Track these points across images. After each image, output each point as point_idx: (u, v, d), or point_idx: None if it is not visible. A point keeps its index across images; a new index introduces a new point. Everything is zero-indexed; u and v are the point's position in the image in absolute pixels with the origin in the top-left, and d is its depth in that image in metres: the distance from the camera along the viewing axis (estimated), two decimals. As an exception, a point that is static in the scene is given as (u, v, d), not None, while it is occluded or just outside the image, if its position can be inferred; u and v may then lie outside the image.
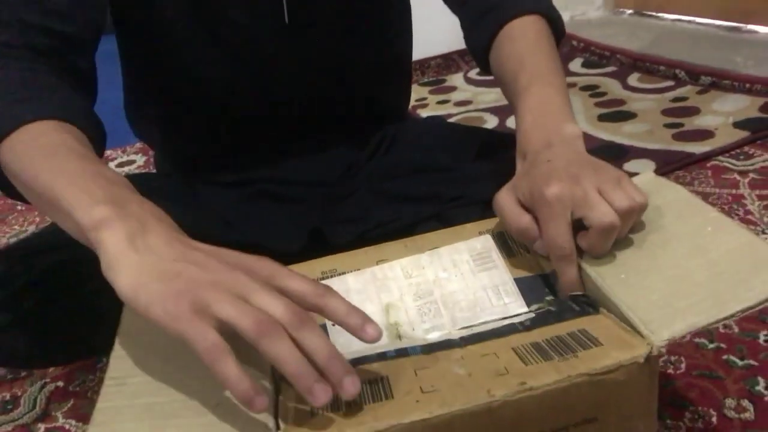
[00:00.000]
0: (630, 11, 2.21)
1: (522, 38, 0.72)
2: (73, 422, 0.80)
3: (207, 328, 0.40)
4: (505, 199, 0.56)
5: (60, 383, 0.87)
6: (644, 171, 0.69)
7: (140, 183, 0.93)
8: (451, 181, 0.79)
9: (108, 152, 1.74)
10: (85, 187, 0.48)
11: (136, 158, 1.70)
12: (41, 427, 0.80)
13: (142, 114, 0.95)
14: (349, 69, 0.91)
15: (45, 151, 0.53)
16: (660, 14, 2.10)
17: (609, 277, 0.52)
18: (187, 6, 0.77)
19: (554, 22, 0.75)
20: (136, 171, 1.63)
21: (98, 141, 0.62)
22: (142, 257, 0.44)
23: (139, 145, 1.77)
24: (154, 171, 1.12)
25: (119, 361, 0.49)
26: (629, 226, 0.54)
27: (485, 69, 0.79)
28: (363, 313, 0.45)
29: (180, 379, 0.46)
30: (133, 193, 0.51)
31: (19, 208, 1.50)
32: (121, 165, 1.66)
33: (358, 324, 0.44)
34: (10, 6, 0.62)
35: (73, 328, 0.78)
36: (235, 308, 0.41)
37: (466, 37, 0.81)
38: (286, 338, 0.41)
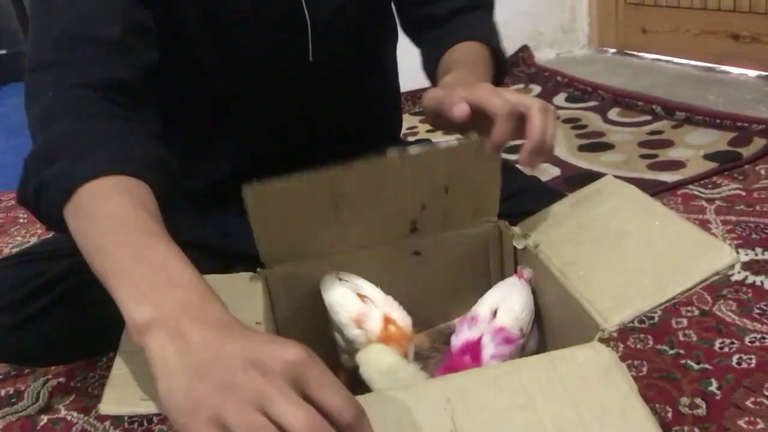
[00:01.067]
0: (612, 50, 2.32)
1: (462, 51, 0.83)
2: (75, 414, 0.85)
3: None
4: (434, 90, 0.67)
5: (62, 379, 0.92)
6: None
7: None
8: None
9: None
10: (130, 281, 0.48)
11: (136, 177, 1.76)
12: (44, 418, 0.85)
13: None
14: (355, 99, 0.98)
15: (99, 228, 0.52)
16: (640, 54, 2.21)
17: (569, 275, 0.59)
18: (211, 40, 0.81)
19: (496, 54, 0.85)
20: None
21: (162, 186, 0.59)
22: (175, 365, 0.42)
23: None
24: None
25: (131, 339, 0.54)
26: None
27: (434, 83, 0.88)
28: None
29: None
30: (175, 284, 0.49)
31: (21, 220, 1.56)
32: (120, 183, 1.72)
33: None
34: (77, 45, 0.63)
35: (77, 332, 0.82)
36: (246, 422, 0.37)
37: (424, 63, 0.91)
38: None
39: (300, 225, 0.68)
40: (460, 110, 0.61)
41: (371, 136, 1.03)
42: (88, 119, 0.60)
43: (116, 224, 0.52)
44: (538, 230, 0.67)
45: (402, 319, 0.67)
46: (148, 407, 0.46)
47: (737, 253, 0.59)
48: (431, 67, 0.87)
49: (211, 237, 0.92)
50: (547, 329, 0.66)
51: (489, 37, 0.87)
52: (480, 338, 0.61)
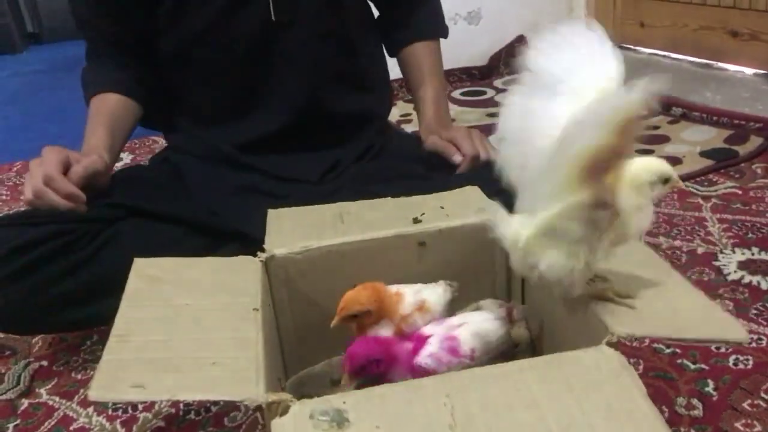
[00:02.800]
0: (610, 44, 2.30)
1: (424, 56, 1.10)
2: (57, 399, 0.82)
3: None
4: (434, 139, 0.98)
5: (44, 362, 0.90)
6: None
7: (135, 173, 0.99)
8: (427, 188, 0.84)
9: (95, 149, 1.77)
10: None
11: (123, 156, 1.72)
12: (25, 402, 0.82)
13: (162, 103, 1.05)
14: (331, 72, 0.98)
15: (93, 112, 0.96)
16: (638, 48, 2.19)
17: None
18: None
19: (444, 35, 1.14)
20: (122, 166, 1.66)
21: (138, 96, 0.99)
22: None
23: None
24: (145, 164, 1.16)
25: (124, 321, 0.52)
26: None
27: (392, 54, 1.13)
28: None
29: (180, 340, 0.50)
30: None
31: (2, 197, 1.52)
32: (107, 162, 1.69)
33: None
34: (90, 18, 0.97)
35: (58, 296, 0.82)
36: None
37: (383, 33, 1.11)
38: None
39: (307, 226, 0.72)
40: (457, 160, 0.94)
41: (353, 116, 1.02)
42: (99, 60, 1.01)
43: (98, 114, 0.96)
44: None
45: None
46: (137, 394, 0.45)
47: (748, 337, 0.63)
48: (389, 48, 1.13)
49: (199, 214, 0.91)
50: (558, 323, 0.65)
51: (439, 29, 1.13)
52: (430, 336, 0.62)
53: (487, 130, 1.69)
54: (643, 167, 0.55)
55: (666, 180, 0.55)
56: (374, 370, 0.58)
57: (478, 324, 0.64)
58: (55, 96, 2.40)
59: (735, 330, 0.53)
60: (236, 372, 0.48)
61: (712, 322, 0.54)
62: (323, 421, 0.44)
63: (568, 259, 0.53)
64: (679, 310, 0.55)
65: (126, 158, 1.71)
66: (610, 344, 0.50)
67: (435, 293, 0.67)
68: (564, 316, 0.61)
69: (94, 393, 0.44)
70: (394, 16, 1.10)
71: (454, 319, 0.64)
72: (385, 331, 0.64)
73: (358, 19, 1.05)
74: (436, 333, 0.62)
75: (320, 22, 0.96)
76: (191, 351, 0.49)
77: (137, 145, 1.78)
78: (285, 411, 0.45)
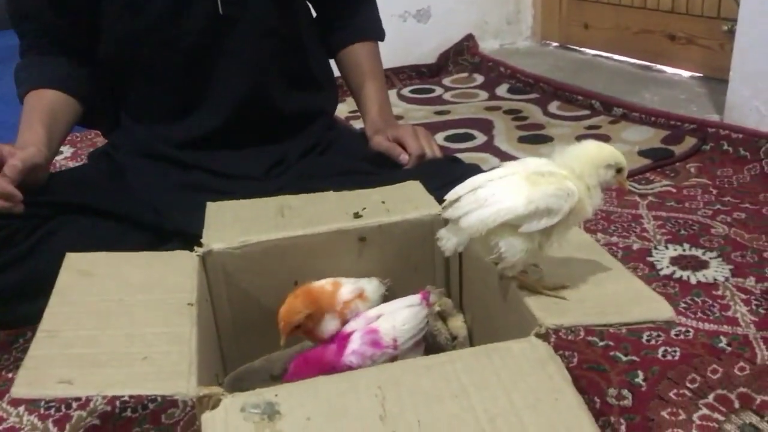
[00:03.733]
0: (555, 44, 2.35)
1: (364, 56, 1.11)
2: (-13, 398, 0.80)
3: None
4: (380, 138, 0.99)
5: (-27, 361, 0.87)
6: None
7: (74, 173, 0.96)
8: (373, 184, 0.85)
9: (33, 141, 1.71)
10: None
11: (63, 149, 1.67)
12: (-48, 402, 0.80)
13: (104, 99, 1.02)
14: (276, 68, 0.98)
15: (29, 108, 0.92)
16: (582, 48, 2.25)
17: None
18: None
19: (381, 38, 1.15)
20: (63, 160, 1.61)
21: (78, 93, 0.96)
22: None
23: (66, 136, 1.75)
24: (83, 162, 1.13)
25: (53, 316, 0.51)
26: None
27: (330, 56, 1.14)
28: None
29: (111, 335, 0.49)
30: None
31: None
32: (46, 155, 1.64)
33: None
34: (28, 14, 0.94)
35: None
36: None
37: (320, 33, 1.11)
38: None
39: (247, 220, 0.71)
40: (404, 159, 0.96)
41: (298, 114, 1.02)
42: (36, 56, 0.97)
43: (33, 110, 0.92)
44: None
45: None
46: (64, 390, 0.44)
47: (675, 315, 0.66)
48: (329, 48, 1.13)
49: (143, 212, 0.90)
50: (492, 318, 0.66)
51: (377, 31, 1.14)
52: (352, 333, 0.62)
53: (436, 127, 1.72)
54: (603, 151, 0.57)
55: (619, 170, 0.57)
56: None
57: (395, 313, 0.64)
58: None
59: (662, 310, 0.54)
60: (168, 367, 0.47)
61: (640, 303, 0.56)
62: (254, 414, 0.44)
63: (524, 242, 0.55)
64: (609, 295, 0.57)
65: (66, 152, 1.67)
66: (538, 335, 0.51)
67: (371, 285, 0.68)
68: (498, 308, 0.62)
69: (18, 390, 0.43)
70: (332, 16, 1.11)
71: (372, 312, 0.65)
72: (331, 325, 0.64)
73: (303, 16, 1.05)
74: (357, 329, 0.62)
75: (267, 19, 0.96)
76: (122, 346, 0.48)
77: (78, 138, 1.73)
78: (216, 405, 0.45)
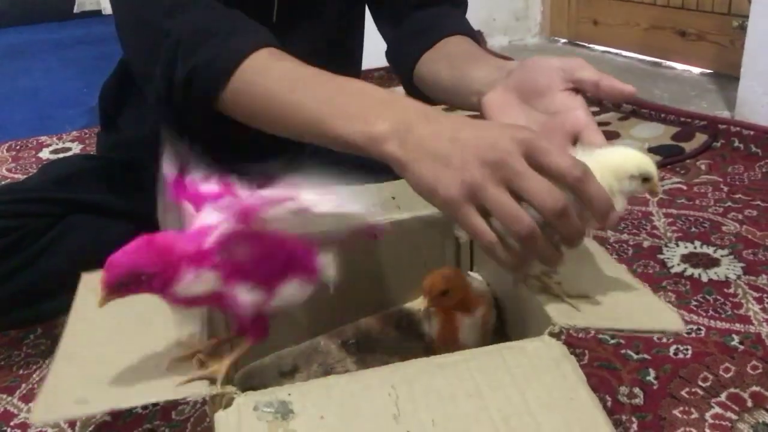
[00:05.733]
0: (564, 40, 2.34)
1: (461, 45, 0.79)
2: (-2, 394, 0.80)
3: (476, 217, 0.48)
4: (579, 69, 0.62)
5: (-16, 357, 0.87)
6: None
7: (83, 164, 0.95)
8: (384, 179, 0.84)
9: (43, 138, 1.72)
10: (354, 108, 0.55)
11: (72, 146, 1.68)
12: (-37, 398, 0.80)
13: (122, 98, 0.97)
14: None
15: (282, 88, 0.59)
16: (591, 45, 2.24)
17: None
18: None
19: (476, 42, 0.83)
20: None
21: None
22: (415, 151, 0.50)
23: (75, 133, 1.75)
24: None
25: (72, 336, 0.52)
26: None
27: (408, 81, 0.84)
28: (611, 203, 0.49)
29: (128, 351, 0.49)
30: (396, 102, 0.55)
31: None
32: (55, 152, 1.64)
33: (604, 212, 0.49)
34: None
35: (7, 294, 0.79)
36: (500, 200, 0.47)
37: (395, 52, 0.87)
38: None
39: None
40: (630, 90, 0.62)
41: None
42: (212, 9, 0.65)
43: (298, 79, 0.59)
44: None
45: None
46: (80, 409, 0.44)
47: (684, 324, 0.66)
48: (409, 65, 0.83)
49: (152, 208, 0.89)
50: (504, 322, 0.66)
51: (465, 25, 0.85)
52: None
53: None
54: (630, 159, 0.54)
55: (646, 179, 0.54)
56: (142, 287, 0.44)
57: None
58: None
59: (672, 320, 0.54)
60: (180, 370, 0.47)
61: (651, 313, 0.56)
62: (268, 413, 0.44)
63: None
64: (620, 303, 0.57)
65: (75, 148, 1.67)
66: (552, 334, 0.51)
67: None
68: (511, 308, 0.62)
69: (37, 416, 0.44)
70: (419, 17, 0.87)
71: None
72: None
73: (358, 36, 0.96)
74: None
75: (320, 34, 0.87)
76: (139, 359, 0.48)
77: (87, 135, 1.73)
78: (229, 404, 0.45)
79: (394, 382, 0.47)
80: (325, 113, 0.56)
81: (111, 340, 0.52)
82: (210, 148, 0.96)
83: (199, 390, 0.45)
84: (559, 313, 0.53)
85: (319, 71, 0.60)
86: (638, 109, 1.66)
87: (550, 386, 0.47)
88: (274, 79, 0.60)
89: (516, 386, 0.47)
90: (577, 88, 0.60)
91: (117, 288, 0.43)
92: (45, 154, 1.63)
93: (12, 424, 0.75)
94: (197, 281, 0.44)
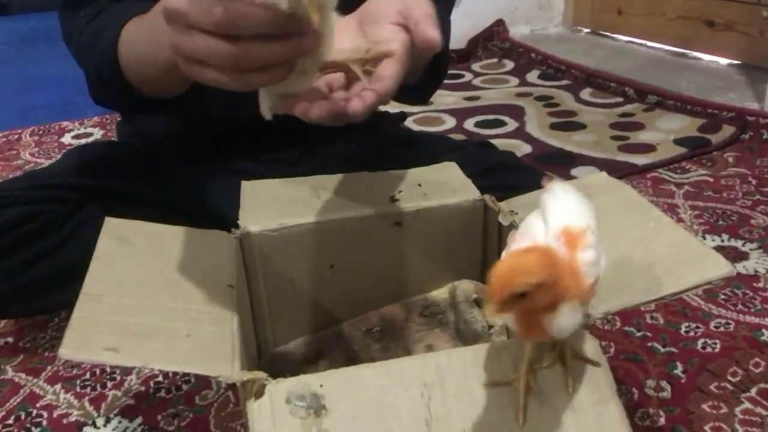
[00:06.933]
0: (587, 30, 2.31)
1: None
2: (23, 376, 0.81)
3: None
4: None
5: (9, 339, 0.88)
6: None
7: (106, 151, 0.95)
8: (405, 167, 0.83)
9: (65, 123, 1.73)
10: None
11: (94, 131, 1.68)
12: (-10, 379, 0.81)
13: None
14: None
15: (134, 36, 0.67)
16: (614, 35, 2.20)
17: None
18: None
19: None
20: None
21: None
22: None
23: (96, 118, 1.76)
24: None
25: (94, 281, 0.51)
26: None
27: None
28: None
29: (154, 307, 0.49)
30: None
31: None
32: (77, 137, 1.65)
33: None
34: None
35: (25, 283, 0.80)
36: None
37: None
38: None
39: (282, 202, 0.70)
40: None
41: None
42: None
43: (138, 33, 0.67)
44: (525, 210, 0.66)
45: None
46: (110, 358, 0.43)
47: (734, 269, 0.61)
48: None
49: (175, 195, 0.89)
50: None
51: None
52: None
53: (466, 113, 1.70)
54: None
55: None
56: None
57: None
58: (21, 69, 2.33)
59: (717, 266, 0.52)
60: (211, 347, 0.47)
61: (692, 263, 0.53)
62: (300, 407, 0.44)
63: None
64: (658, 259, 0.54)
65: (96, 133, 1.67)
66: (585, 327, 0.50)
67: None
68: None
69: (66, 351, 0.43)
70: None
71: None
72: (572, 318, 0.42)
73: None
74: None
75: None
76: (165, 319, 0.48)
77: (108, 121, 1.74)
78: (260, 390, 0.44)
79: (426, 380, 0.46)
80: (156, 45, 0.60)
81: (136, 292, 0.51)
82: (229, 138, 0.96)
83: (230, 373, 0.44)
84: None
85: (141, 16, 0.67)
86: (664, 101, 1.63)
87: (580, 393, 0.46)
88: (128, 45, 0.67)
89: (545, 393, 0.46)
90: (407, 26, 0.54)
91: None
92: (67, 139, 1.63)
93: (38, 405, 0.76)
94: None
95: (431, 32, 0.51)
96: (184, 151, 0.96)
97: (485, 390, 0.46)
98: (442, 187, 0.74)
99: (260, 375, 0.45)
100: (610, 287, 0.52)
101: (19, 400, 0.77)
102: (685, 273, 0.52)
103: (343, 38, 0.55)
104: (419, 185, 0.74)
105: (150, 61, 0.64)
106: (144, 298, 0.51)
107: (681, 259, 0.54)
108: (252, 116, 0.92)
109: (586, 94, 1.78)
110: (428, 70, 0.74)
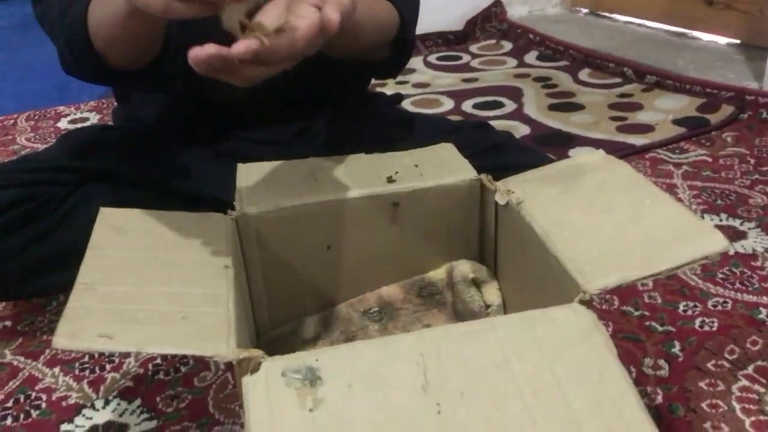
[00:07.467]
0: (585, 10, 2.29)
1: None
2: (22, 359, 0.81)
3: None
4: None
5: (7, 323, 0.88)
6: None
7: (99, 135, 0.94)
8: (403, 148, 0.83)
9: (61, 108, 1.72)
10: None
11: (90, 116, 1.68)
12: (-12, 362, 0.81)
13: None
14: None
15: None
16: (613, 15, 2.19)
17: (553, 235, 0.57)
18: None
19: (403, 27, 0.82)
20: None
21: None
22: None
23: (92, 103, 1.75)
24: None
25: (89, 270, 0.51)
26: None
27: None
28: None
29: (148, 292, 0.49)
30: None
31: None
32: (73, 122, 1.64)
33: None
34: None
35: (21, 265, 0.80)
36: None
37: None
38: None
39: (279, 184, 0.69)
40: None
41: (332, 88, 1.00)
42: None
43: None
44: (522, 189, 0.65)
45: None
46: (104, 344, 0.43)
47: (731, 244, 0.59)
48: None
49: (171, 178, 0.89)
50: (529, 288, 0.65)
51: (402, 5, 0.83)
52: None
53: (464, 95, 1.69)
54: None
55: None
56: None
57: None
58: (16, 54, 2.32)
59: (714, 241, 0.51)
60: (207, 328, 0.46)
61: (688, 239, 0.53)
62: (296, 379, 0.44)
63: None
64: (653, 234, 0.54)
65: (93, 118, 1.67)
66: (582, 302, 0.50)
67: None
68: (535, 275, 0.61)
69: (60, 340, 0.43)
70: None
71: None
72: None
73: None
74: None
75: None
76: (160, 304, 0.48)
77: (105, 105, 1.73)
78: (256, 368, 0.44)
79: (422, 350, 0.46)
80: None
81: (131, 279, 0.51)
82: (227, 115, 0.96)
83: (226, 352, 0.44)
84: (587, 276, 0.52)
85: None
86: (662, 81, 1.62)
87: (580, 359, 0.46)
88: (95, 11, 0.69)
89: (545, 358, 0.46)
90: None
91: None
92: (63, 124, 1.62)
93: (37, 388, 0.76)
94: None
95: (332, 15, 0.51)
96: (178, 135, 0.96)
97: (482, 357, 0.45)
98: (438, 167, 0.74)
99: (256, 353, 0.44)
100: (607, 263, 0.52)
101: (18, 383, 0.77)
102: (683, 248, 0.52)
103: (268, 14, 0.55)
104: (416, 166, 0.74)
105: (113, 17, 0.65)
106: (139, 285, 0.51)
107: (678, 234, 0.53)
108: (237, 95, 0.92)
109: (584, 74, 1.77)
110: (392, 50, 0.84)
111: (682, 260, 0.51)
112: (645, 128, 1.39)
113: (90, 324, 0.44)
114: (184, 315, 0.47)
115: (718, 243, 0.51)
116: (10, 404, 0.74)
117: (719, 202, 1.08)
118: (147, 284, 0.51)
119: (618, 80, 1.71)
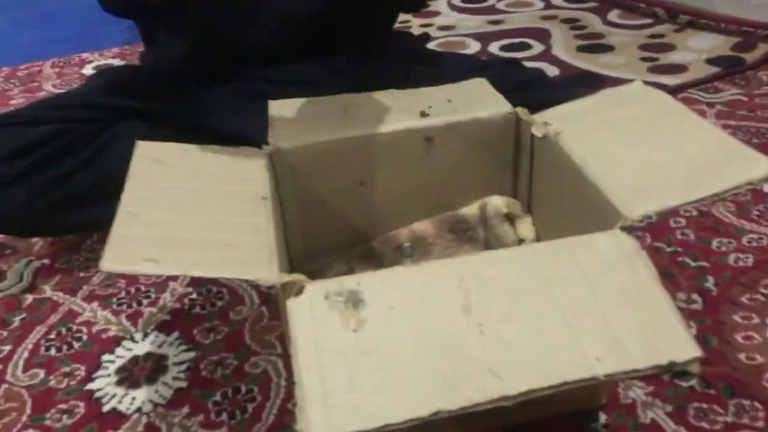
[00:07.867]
0: None
1: None
2: (61, 294, 0.83)
3: None
4: None
5: (46, 261, 0.90)
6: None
7: (128, 73, 0.94)
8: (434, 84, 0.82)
9: (85, 55, 1.72)
10: None
11: (114, 62, 1.67)
12: (29, 297, 0.83)
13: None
14: None
15: None
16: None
17: (592, 164, 0.56)
18: None
19: None
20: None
21: None
22: None
23: (116, 49, 1.74)
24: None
25: (131, 199, 0.51)
26: None
27: None
28: None
29: (189, 221, 0.49)
30: None
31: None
32: (98, 68, 1.64)
33: None
34: None
35: (58, 198, 0.82)
36: None
37: None
38: None
39: (311, 119, 0.69)
40: None
41: (360, 28, 0.98)
42: None
43: None
44: (559, 121, 0.64)
45: None
46: (150, 268, 0.44)
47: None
48: None
49: (199, 115, 0.89)
50: (565, 220, 0.65)
51: None
52: None
53: (490, 37, 1.66)
54: None
55: None
56: None
57: None
58: (39, 1, 2.31)
59: (758, 166, 0.50)
60: (249, 254, 0.47)
61: (731, 163, 0.52)
62: (338, 301, 0.44)
63: None
64: (695, 160, 0.53)
65: (117, 64, 1.66)
66: (623, 228, 0.49)
67: None
68: (572, 206, 0.61)
69: (107, 263, 0.43)
70: None
71: None
72: None
73: None
74: None
75: None
76: (202, 231, 0.48)
77: (128, 52, 1.72)
78: (299, 291, 0.45)
79: (463, 274, 0.46)
80: None
81: (172, 208, 0.52)
82: (248, 60, 0.95)
83: (269, 276, 0.45)
84: (628, 204, 0.51)
85: None
86: (695, 20, 1.57)
87: (622, 282, 0.46)
88: None
89: (587, 281, 0.46)
90: None
91: None
92: (88, 71, 1.62)
93: (77, 321, 0.78)
94: None
95: None
96: (204, 76, 0.95)
97: (523, 280, 0.46)
98: (472, 102, 0.73)
99: (300, 277, 0.45)
100: (648, 190, 0.52)
101: (59, 317, 0.79)
102: (726, 173, 0.51)
103: None
104: (449, 101, 0.73)
105: None
106: (180, 213, 0.51)
107: (721, 159, 0.52)
108: (263, 34, 0.90)
109: (614, 15, 1.72)
110: None
111: (725, 185, 0.50)
112: (678, 68, 1.36)
113: (135, 249, 0.45)
114: (226, 242, 0.47)
115: (763, 167, 0.50)
116: (53, 336, 0.76)
117: (754, 140, 1.06)
118: (188, 213, 0.51)
119: (649, 21, 1.66)
